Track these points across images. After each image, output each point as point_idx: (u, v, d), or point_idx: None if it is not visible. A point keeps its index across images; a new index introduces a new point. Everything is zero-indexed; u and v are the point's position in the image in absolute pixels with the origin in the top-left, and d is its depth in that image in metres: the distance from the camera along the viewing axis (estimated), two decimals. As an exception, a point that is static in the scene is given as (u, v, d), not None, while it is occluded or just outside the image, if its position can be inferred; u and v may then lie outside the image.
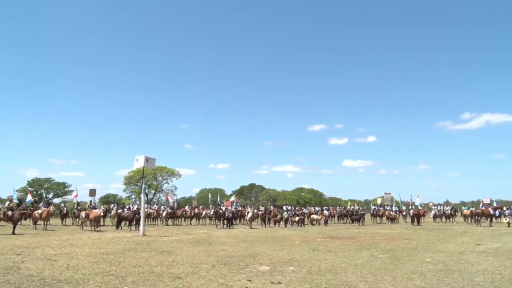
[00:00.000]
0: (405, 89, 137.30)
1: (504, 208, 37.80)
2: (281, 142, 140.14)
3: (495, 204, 41.47)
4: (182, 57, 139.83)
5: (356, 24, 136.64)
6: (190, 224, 38.56)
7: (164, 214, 38.16)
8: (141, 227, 23.64)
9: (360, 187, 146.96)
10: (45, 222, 26.92)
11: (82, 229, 26.99)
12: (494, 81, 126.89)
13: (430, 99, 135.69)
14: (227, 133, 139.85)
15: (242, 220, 37.68)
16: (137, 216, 28.54)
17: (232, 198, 42.12)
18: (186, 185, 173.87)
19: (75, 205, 37.38)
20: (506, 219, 34.13)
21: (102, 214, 28.43)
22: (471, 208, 40.00)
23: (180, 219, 39.73)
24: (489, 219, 35.06)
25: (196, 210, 40.91)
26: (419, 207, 43.19)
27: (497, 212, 36.35)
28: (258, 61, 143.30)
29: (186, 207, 42.07)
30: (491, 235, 23.06)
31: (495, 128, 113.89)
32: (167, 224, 36.94)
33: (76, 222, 33.36)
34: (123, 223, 29.51)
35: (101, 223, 28.67)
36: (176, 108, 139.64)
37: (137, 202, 60.72)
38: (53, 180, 68.81)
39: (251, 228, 31.34)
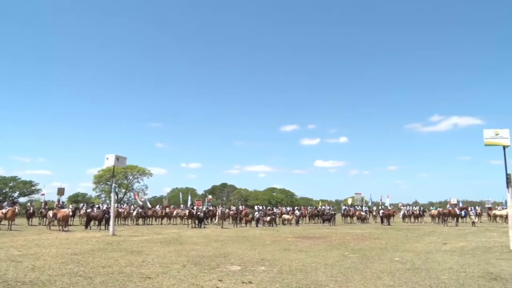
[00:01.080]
0: (377, 91, 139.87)
1: (470, 209, 38.82)
2: (253, 142, 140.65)
3: (461, 205, 42.57)
4: (152, 55, 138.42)
5: (329, 24, 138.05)
6: (161, 223, 38.19)
7: (134, 213, 37.68)
8: (110, 227, 23.27)
9: (331, 188, 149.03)
10: (10, 222, 26.12)
11: (50, 229, 26.31)
12: (463, 84, 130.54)
13: (400, 101, 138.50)
14: (199, 132, 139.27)
15: (213, 219, 37.54)
16: (106, 215, 28.03)
17: (209, 197, 42.00)
18: (157, 184, 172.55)
19: (42, 204, 36.47)
20: (473, 219, 35.07)
21: (70, 213, 27.86)
22: (438, 208, 40.94)
23: (150, 218, 39.30)
24: (455, 219, 35.94)
25: (167, 210, 40.54)
26: (389, 208, 43.91)
27: (463, 212, 37.30)
28: (230, 60, 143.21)
29: (157, 207, 41.66)
30: (457, 234, 23.64)
31: (462, 131, 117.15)
32: (137, 224, 36.48)
33: (43, 222, 32.50)
34: (92, 223, 28.96)
35: (70, 222, 28.09)
36: (147, 107, 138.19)
37: (107, 201, 59.68)
38: (19, 178, 66.92)
39: (222, 227, 31.27)
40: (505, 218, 35.46)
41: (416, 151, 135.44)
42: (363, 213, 42.25)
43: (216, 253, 14.25)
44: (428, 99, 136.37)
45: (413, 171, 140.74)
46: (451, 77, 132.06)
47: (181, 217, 38.77)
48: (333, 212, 39.44)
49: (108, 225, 25.80)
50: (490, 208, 44.91)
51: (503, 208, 39.14)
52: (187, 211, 35.17)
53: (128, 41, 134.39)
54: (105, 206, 34.91)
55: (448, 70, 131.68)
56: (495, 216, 40.55)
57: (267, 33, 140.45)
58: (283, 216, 38.87)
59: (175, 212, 40.15)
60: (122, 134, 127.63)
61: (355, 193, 52.00)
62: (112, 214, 23.95)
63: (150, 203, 45.61)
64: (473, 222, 34.75)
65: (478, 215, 42.17)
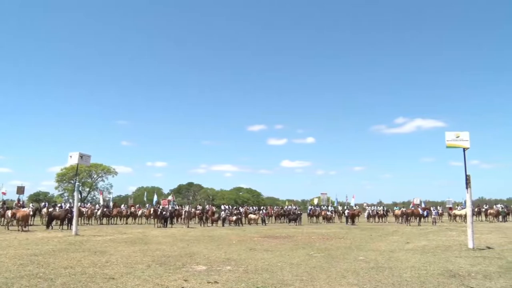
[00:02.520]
0: (344, 92, 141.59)
1: (432, 209, 39.87)
2: (220, 141, 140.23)
3: (423, 205, 43.69)
4: (118, 53, 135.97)
5: (297, 26, 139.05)
6: (126, 223, 37.57)
7: (98, 213, 36.91)
8: (73, 226, 22.74)
9: (298, 188, 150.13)
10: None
11: (8, 229, 25.39)
12: (427, 87, 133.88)
13: (366, 103, 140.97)
14: (165, 130, 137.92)
15: (179, 219, 37.26)
16: (69, 215, 27.35)
17: (170, 197, 41.52)
18: (123, 183, 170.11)
19: (1, 203, 35.22)
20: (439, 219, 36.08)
21: (31, 213, 27.02)
22: (402, 209, 41.81)
23: (115, 218, 38.61)
24: (418, 218, 36.82)
25: (132, 209, 39.97)
26: (354, 207, 44.59)
27: (425, 212, 38.24)
28: (198, 60, 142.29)
29: (122, 206, 41.00)
30: (419, 233, 24.22)
31: (425, 133, 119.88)
32: (101, 224, 35.75)
33: (1, 221, 31.38)
34: (54, 223, 28.19)
35: (30, 222, 27.28)
36: (113, 104, 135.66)
37: (70, 200, 58.33)
38: (-24, 176, 64.57)
39: (188, 227, 31.05)
40: (464, 217, 36.67)
41: (381, 152, 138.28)
42: (328, 213, 42.68)
43: (181, 252, 14.15)
44: (393, 101, 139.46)
45: (378, 171, 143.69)
46: (415, 80, 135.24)
47: (147, 217, 38.31)
48: (299, 212, 39.71)
49: (71, 224, 25.21)
50: (450, 208, 46.22)
51: (462, 208, 40.36)
52: (152, 210, 34.79)
53: (92, 37, 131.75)
54: (67, 205, 34.06)
55: (413, 73, 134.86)
56: (455, 215, 41.79)
57: (235, 34, 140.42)
58: (249, 215, 38.91)
59: (140, 212, 39.60)
60: (87, 131, 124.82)
61: (321, 193, 52.57)
62: (75, 214, 23.40)
63: (114, 203, 44.72)
64: (434, 222, 35.79)
65: (439, 214, 43.40)
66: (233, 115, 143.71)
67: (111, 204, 42.57)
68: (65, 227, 27.41)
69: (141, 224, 36.66)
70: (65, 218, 27.85)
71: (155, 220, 33.15)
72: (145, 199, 48.14)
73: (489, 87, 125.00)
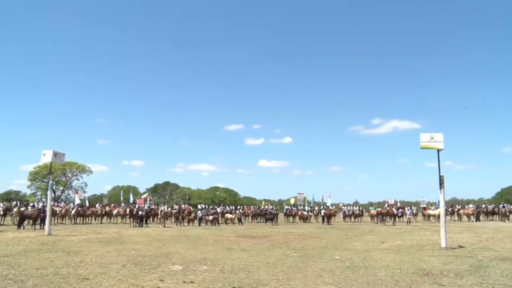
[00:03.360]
0: (321, 93, 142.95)
1: (406, 209, 40.47)
2: (198, 141, 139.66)
3: (398, 205, 44.31)
4: (96, 51, 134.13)
5: (275, 26, 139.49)
6: (101, 222, 37.07)
7: (73, 212, 36.27)
8: (46, 226, 22.28)
9: (275, 187, 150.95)
10: None
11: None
12: (403, 89, 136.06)
13: (344, 103, 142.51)
14: (142, 129, 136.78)
15: (155, 218, 36.97)
16: (42, 214, 26.79)
17: (146, 196, 41.14)
18: (98, 182, 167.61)
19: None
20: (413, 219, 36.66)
21: (1, 212, 26.37)
22: (377, 209, 42.29)
23: (90, 217, 38.02)
24: (392, 218, 37.33)
25: (107, 208, 39.43)
26: (330, 207, 44.91)
27: (400, 212, 38.79)
28: (176, 58, 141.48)
29: (97, 205, 40.40)
30: (394, 233, 24.55)
31: (401, 134, 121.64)
32: (75, 223, 35.17)
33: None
34: (26, 222, 27.57)
35: (0, 222, 26.65)
36: (90, 103, 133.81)
37: (43, 199, 57.21)
38: None
39: (164, 227, 30.85)
40: (437, 217, 37.31)
41: (358, 152, 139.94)
42: (305, 213, 42.87)
43: (157, 252, 14.02)
44: (370, 102, 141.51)
45: (354, 172, 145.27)
46: (392, 82, 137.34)
47: (122, 216, 37.87)
48: (275, 212, 39.81)
49: (44, 224, 24.71)
50: (424, 208, 47.02)
51: (436, 208, 41.08)
52: (128, 210, 34.41)
53: (67, 36, 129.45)
54: (40, 205, 33.36)
55: (390, 75, 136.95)
56: (429, 215, 42.54)
57: (214, 33, 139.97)
58: (226, 215, 38.82)
59: (115, 211, 39.12)
60: (63, 129, 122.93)
61: (298, 193, 52.81)
62: (48, 213, 22.93)
63: (89, 202, 44.07)
64: (408, 222, 36.36)
65: (414, 214, 44.11)
66: (211, 115, 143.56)
67: (86, 203, 41.93)
68: (37, 227, 26.86)
69: (117, 223, 36.23)
70: (38, 218, 27.26)
71: (131, 219, 32.81)
72: (121, 198, 47.50)
73: (463, 89, 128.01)
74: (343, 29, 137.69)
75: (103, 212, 38.42)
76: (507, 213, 42.80)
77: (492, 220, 43.53)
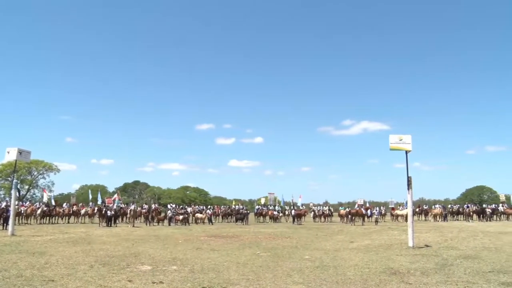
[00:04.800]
0: (293, 93, 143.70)
1: (376, 209, 41.10)
2: (168, 140, 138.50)
3: (367, 205, 44.93)
4: (63, 47, 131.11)
5: (248, 25, 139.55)
6: (68, 222, 36.30)
7: (38, 212, 35.36)
8: (10, 226, 21.66)
9: (245, 187, 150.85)
10: None
11: None
12: (373, 91, 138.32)
13: (315, 104, 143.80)
14: (112, 127, 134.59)
15: (124, 218, 36.47)
16: (5, 214, 26.00)
17: (115, 196, 40.48)
18: (66, 180, 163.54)
19: None
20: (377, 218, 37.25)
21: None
22: (346, 209, 42.75)
23: (57, 217, 37.16)
24: (362, 218, 37.83)
25: (75, 208, 38.63)
26: (301, 207, 45.16)
27: (368, 212, 39.35)
28: (146, 56, 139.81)
29: (64, 204, 39.51)
30: (363, 233, 24.88)
31: (371, 135, 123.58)
32: (41, 223, 34.32)
33: None
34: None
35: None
36: (56, 99, 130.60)
37: (7, 198, 55.52)
38: None
39: (133, 226, 30.45)
40: (405, 217, 38.01)
41: (328, 153, 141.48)
42: (275, 213, 43.02)
43: (126, 252, 13.83)
44: (340, 103, 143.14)
45: (324, 172, 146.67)
46: (362, 84, 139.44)
47: (90, 216, 37.19)
48: (246, 212, 39.82)
49: (7, 224, 24.00)
50: (393, 208, 47.83)
51: (404, 208, 41.88)
52: (96, 209, 33.80)
53: (32, 33, 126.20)
54: (3, 204, 32.35)
55: (360, 77, 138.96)
56: (397, 215, 43.28)
57: (184, 32, 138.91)
58: (196, 215, 38.61)
59: (83, 210, 38.37)
60: (29, 127, 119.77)
61: (269, 193, 52.92)
62: (12, 212, 22.28)
63: (56, 201, 43.06)
64: (376, 221, 36.97)
65: (382, 214, 44.84)
66: (181, 114, 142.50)
67: (52, 202, 40.95)
68: (0, 227, 26.08)
69: (85, 223, 35.57)
70: (1, 218, 26.46)
71: (99, 219, 32.26)
72: (89, 197, 46.60)
73: (430, 92, 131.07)
74: (314, 30, 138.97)
75: (71, 212, 37.62)
76: (471, 213, 43.99)
77: (457, 220, 44.66)
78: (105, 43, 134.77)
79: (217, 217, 43.37)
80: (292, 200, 48.41)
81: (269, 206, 48.02)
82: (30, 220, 35.03)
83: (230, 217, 42.79)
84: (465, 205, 48.02)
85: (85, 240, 18.66)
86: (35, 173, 75.12)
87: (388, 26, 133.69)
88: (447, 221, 41.88)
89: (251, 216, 43.64)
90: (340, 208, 47.73)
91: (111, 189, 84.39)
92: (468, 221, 41.81)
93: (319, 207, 47.62)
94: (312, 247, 16.45)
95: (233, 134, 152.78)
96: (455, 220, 43.84)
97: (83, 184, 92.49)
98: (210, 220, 37.46)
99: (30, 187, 74.45)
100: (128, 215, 34.96)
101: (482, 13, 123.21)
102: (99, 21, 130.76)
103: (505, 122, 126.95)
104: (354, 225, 34.82)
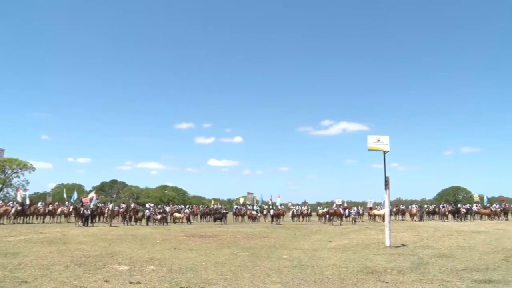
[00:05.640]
0: (273, 93, 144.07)
1: (354, 209, 41.47)
2: (147, 138, 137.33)
3: (345, 205, 45.31)
4: (37, 44, 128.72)
5: (226, 25, 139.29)
6: (43, 222, 35.61)
7: (12, 211, 34.58)
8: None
9: (224, 187, 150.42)
10: None
11: None
12: (352, 92, 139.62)
13: (294, 104, 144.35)
14: (89, 125, 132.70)
15: (101, 217, 35.98)
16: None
17: (92, 195, 39.89)
18: (41, 179, 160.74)
19: None
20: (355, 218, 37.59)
21: None
22: (325, 208, 42.98)
23: (31, 217, 36.41)
24: (340, 218, 38.12)
25: (50, 207, 37.92)
26: (279, 207, 45.25)
27: (346, 212, 39.66)
28: (125, 55, 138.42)
29: (39, 204, 38.74)
30: (341, 232, 25.05)
31: (350, 136, 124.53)
32: (15, 223, 33.59)
33: None
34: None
35: None
36: (31, 96, 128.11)
37: (-20, 198, 54.27)
38: None
39: (111, 226, 30.09)
40: (382, 217, 38.44)
41: (307, 153, 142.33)
42: (254, 212, 43.04)
43: (103, 252, 13.66)
44: (320, 104, 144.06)
45: (303, 172, 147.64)
46: (341, 84, 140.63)
47: (66, 215, 36.60)
48: (225, 211, 39.74)
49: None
50: (370, 208, 48.29)
51: (381, 208, 42.36)
52: (72, 208, 33.28)
53: (6, 28, 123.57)
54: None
55: (339, 78, 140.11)
56: (375, 215, 43.76)
57: (163, 31, 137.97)
58: (175, 214, 38.36)
59: (59, 210, 37.70)
60: (1, 124, 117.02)
61: (248, 193, 52.74)
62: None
63: (31, 200, 42.14)
64: (354, 221, 37.32)
65: (360, 214, 45.26)
66: (160, 112, 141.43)
67: (27, 201, 40.13)
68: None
69: (60, 223, 34.95)
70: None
71: (76, 218, 31.78)
72: (64, 196, 45.79)
73: (409, 93, 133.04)
74: (295, 30, 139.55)
75: (46, 211, 36.91)
76: (446, 213, 44.80)
77: (433, 219, 45.40)
78: (82, 41, 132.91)
79: (196, 216, 43.20)
80: (271, 199, 48.51)
81: (247, 205, 48.00)
82: (3, 220, 34.22)
83: (208, 216, 42.61)
84: (441, 205, 48.93)
85: (61, 240, 18.35)
86: (9, 172, 73.49)
87: (369, 28, 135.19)
88: (423, 220, 42.51)
89: (230, 215, 43.57)
90: (319, 208, 47.87)
91: (88, 188, 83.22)
92: (444, 220, 42.55)
93: (297, 207, 47.78)
94: (290, 246, 16.49)
95: (212, 133, 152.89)
96: (431, 220, 44.57)
97: (59, 183, 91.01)
98: (188, 219, 37.26)
99: (4, 186, 72.81)
100: (105, 215, 34.52)
101: (462, 14, 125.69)
102: (75, 17, 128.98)
103: (481, 124, 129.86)
104: (332, 224, 35.05)
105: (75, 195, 42.04)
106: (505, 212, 45.09)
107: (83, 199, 37.22)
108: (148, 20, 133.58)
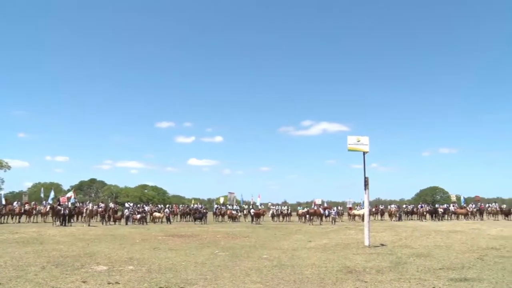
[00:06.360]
0: (254, 93, 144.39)
1: (334, 209, 41.74)
2: (127, 137, 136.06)
3: (325, 205, 45.59)
4: (15, 42, 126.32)
5: (206, 24, 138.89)
6: (19, 222, 34.92)
7: (-14, 211, 33.82)
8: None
9: (205, 186, 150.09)
10: None
11: None
12: (333, 92, 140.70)
13: (275, 104, 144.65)
14: (68, 123, 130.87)
15: (80, 217, 35.50)
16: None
17: (70, 194, 39.32)
18: (18, 178, 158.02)
19: None
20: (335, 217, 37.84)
21: None
22: (305, 208, 43.16)
23: (6, 216, 35.67)
24: (319, 218, 38.32)
25: (27, 206, 37.22)
26: (259, 207, 45.29)
27: (326, 212, 39.91)
28: (106, 53, 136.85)
29: (15, 203, 37.98)
30: (321, 232, 25.18)
31: (330, 136, 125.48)
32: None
33: None
34: None
35: None
36: (8, 93, 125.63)
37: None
38: None
39: (89, 225, 29.71)
40: (362, 217, 38.79)
41: (287, 153, 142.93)
42: (234, 212, 43.00)
43: (81, 252, 13.47)
44: (301, 104, 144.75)
45: (283, 172, 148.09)
46: (322, 85, 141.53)
47: (43, 215, 35.99)
48: (205, 211, 39.62)
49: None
50: (350, 208, 48.74)
51: (361, 208, 42.74)
52: (49, 208, 32.74)
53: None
54: None
55: (322, 78, 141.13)
56: (354, 215, 44.15)
57: (143, 29, 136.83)
58: (154, 214, 38.10)
59: (36, 209, 37.04)
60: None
61: (229, 192, 52.60)
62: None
63: (6, 200, 41.30)
64: (333, 221, 37.59)
65: (340, 214, 45.61)
66: (141, 111, 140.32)
67: (2, 201, 39.30)
68: None
69: (37, 223, 34.36)
70: None
71: (53, 218, 31.29)
72: (41, 195, 45.03)
73: (389, 94, 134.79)
74: (275, 31, 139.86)
75: (22, 211, 36.20)
76: (424, 213, 45.46)
77: (411, 219, 46.00)
78: (60, 39, 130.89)
79: (176, 216, 42.95)
80: (251, 199, 48.53)
81: (227, 205, 47.93)
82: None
83: (188, 216, 42.42)
84: (419, 205, 49.63)
85: (37, 240, 18.05)
86: (-17, 170, 72.06)
87: (347, 30, 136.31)
88: (402, 220, 43.06)
89: (210, 215, 43.45)
90: (299, 207, 48.10)
91: (66, 187, 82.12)
92: (422, 220, 43.11)
93: (277, 206, 47.89)
94: (270, 246, 16.51)
95: (193, 132, 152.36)
96: (409, 220, 45.12)
97: (36, 181, 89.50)
98: (168, 219, 37.06)
99: (-22, 185, 71.37)
100: (84, 214, 34.07)
101: (434, 16, 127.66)
102: (51, 15, 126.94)
103: (458, 126, 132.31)
104: (312, 224, 35.21)
105: (52, 194, 41.41)
106: (480, 212, 46.08)
107: (61, 198, 36.61)
108: (127, 18, 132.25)
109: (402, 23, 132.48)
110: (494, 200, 55.82)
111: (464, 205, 49.89)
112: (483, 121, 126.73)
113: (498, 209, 47.29)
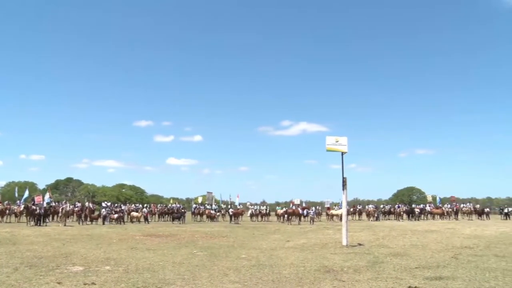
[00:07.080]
0: (233, 92, 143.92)
1: (312, 209, 41.97)
2: (104, 136, 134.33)
3: (304, 205, 45.78)
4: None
5: (189, 24, 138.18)
6: (-8, 222, 34.19)
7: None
8: None
9: (183, 186, 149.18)
10: None
11: None
12: (312, 93, 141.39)
13: (254, 104, 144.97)
14: (44, 121, 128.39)
15: (55, 217, 34.89)
16: None
17: (46, 193, 38.61)
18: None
19: None
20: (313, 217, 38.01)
21: None
22: (283, 208, 43.27)
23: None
24: (298, 218, 38.47)
25: (0, 206, 36.39)
26: (238, 207, 45.25)
27: (305, 212, 40.07)
28: (82, 51, 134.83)
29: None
30: (299, 232, 25.29)
31: (309, 136, 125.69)
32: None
33: None
34: None
35: None
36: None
37: None
38: None
39: (65, 225, 29.21)
40: (340, 217, 39.09)
41: (266, 153, 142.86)
42: (212, 212, 42.88)
43: (56, 253, 13.25)
44: (280, 104, 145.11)
45: (262, 172, 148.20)
46: (301, 85, 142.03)
47: (17, 215, 35.27)
48: (183, 210, 39.41)
49: None
50: (328, 208, 49.01)
51: (339, 208, 43.06)
52: (23, 207, 32.09)
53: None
54: None
55: (301, 79, 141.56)
56: (332, 215, 44.43)
57: (123, 29, 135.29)
58: (132, 213, 37.71)
59: (10, 209, 36.25)
60: None
61: (207, 192, 52.46)
62: None
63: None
64: (312, 220, 37.80)
65: (318, 214, 45.87)
66: (119, 109, 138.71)
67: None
68: None
69: (10, 222, 33.60)
70: None
71: (27, 218, 30.68)
72: (16, 195, 44.14)
73: (367, 95, 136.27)
74: (256, 30, 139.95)
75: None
76: (401, 213, 46.11)
77: (389, 219, 46.56)
78: (32, 36, 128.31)
79: (154, 216, 42.56)
80: (230, 199, 48.43)
81: (206, 205, 47.76)
82: None
83: (166, 216, 42.13)
84: (396, 205, 50.42)
85: (10, 240, 17.67)
86: (-45, 169, 70.35)
87: (328, 29, 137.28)
88: (379, 220, 43.54)
89: (188, 215, 43.23)
90: (277, 207, 48.25)
91: (41, 186, 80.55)
92: (399, 220, 43.70)
93: (256, 206, 47.95)
94: (248, 246, 16.52)
95: (172, 131, 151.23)
96: (387, 220, 45.64)
97: (9, 180, 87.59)
98: (146, 219, 36.70)
99: None
100: (59, 214, 33.49)
101: (418, 19, 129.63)
102: (29, 12, 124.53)
103: (434, 127, 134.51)
104: (291, 224, 35.31)
105: (27, 194, 40.62)
106: (455, 212, 46.98)
107: (36, 198, 35.92)
108: (104, 16, 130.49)
109: (379, 23, 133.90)
110: (469, 201, 57.11)
111: (440, 205, 50.74)
112: (460, 123, 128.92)
113: (472, 209, 48.48)
